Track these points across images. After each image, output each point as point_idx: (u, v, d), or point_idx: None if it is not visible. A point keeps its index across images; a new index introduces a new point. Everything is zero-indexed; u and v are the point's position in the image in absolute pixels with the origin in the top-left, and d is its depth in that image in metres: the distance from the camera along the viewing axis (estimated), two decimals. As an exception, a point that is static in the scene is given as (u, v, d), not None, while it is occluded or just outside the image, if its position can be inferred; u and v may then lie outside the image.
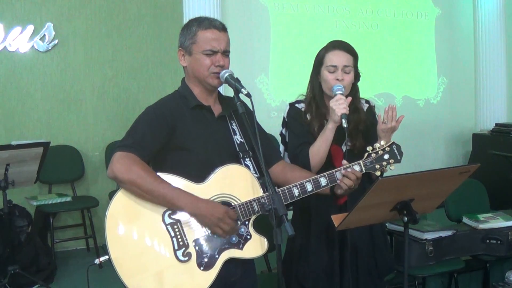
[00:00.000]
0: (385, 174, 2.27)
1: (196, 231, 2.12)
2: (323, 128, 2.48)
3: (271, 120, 5.89)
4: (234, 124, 2.32)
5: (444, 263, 3.42)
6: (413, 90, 6.96)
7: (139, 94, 5.56)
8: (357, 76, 2.62)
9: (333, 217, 2.28)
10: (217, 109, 2.32)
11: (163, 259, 2.07)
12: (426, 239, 3.33)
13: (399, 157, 2.29)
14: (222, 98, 2.39)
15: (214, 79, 2.22)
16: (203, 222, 2.11)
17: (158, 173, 2.12)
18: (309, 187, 2.22)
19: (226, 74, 2.18)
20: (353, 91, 2.62)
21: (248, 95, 2.08)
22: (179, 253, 2.09)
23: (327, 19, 6.41)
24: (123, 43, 5.49)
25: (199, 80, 2.25)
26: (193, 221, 2.12)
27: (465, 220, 3.72)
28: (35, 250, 4.46)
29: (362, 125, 2.60)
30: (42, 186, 5.19)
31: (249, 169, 2.22)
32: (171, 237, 2.09)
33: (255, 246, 2.17)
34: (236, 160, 2.23)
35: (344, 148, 2.48)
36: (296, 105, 2.69)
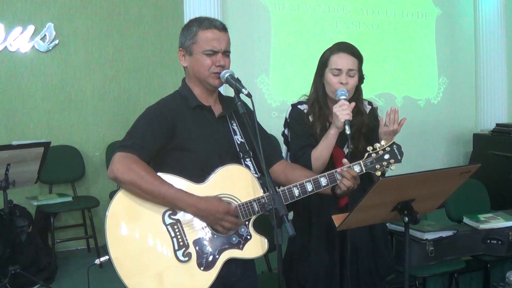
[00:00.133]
0: (385, 174, 2.27)
1: (196, 231, 2.12)
2: (326, 133, 2.47)
3: (271, 120, 5.90)
4: (234, 124, 2.32)
5: (444, 263, 3.42)
6: (414, 90, 6.96)
7: (140, 94, 5.56)
8: (361, 79, 2.60)
9: (334, 217, 2.28)
10: (217, 109, 2.32)
11: (163, 259, 2.07)
12: (426, 239, 3.32)
13: (399, 157, 2.29)
14: (222, 98, 2.39)
15: (214, 79, 2.21)
16: (204, 220, 2.11)
17: (159, 174, 2.12)
18: (309, 187, 2.22)
19: (227, 74, 2.17)
20: (357, 94, 2.61)
21: (249, 95, 2.08)
22: (179, 253, 2.09)
23: (328, 19, 6.41)
24: (123, 43, 5.50)
25: (199, 80, 2.25)
26: (193, 221, 2.13)
27: (466, 220, 3.71)
28: (36, 250, 4.46)
29: (365, 128, 2.59)
30: (43, 186, 5.19)
31: (250, 169, 2.22)
32: (171, 237, 2.09)
33: (255, 246, 2.17)
34: (237, 160, 2.23)
35: (346, 151, 2.48)
36: (299, 106, 2.67)
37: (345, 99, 2.43)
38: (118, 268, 2.04)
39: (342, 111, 2.37)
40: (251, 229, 2.17)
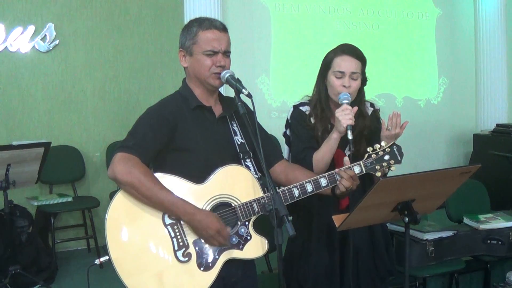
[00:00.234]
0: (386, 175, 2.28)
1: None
2: (328, 137, 2.45)
3: (271, 121, 5.89)
4: (234, 125, 2.32)
5: (444, 263, 3.42)
6: (414, 90, 6.96)
7: (140, 95, 5.56)
8: (364, 81, 2.59)
9: (334, 217, 2.28)
10: (218, 110, 2.32)
11: (163, 259, 2.08)
12: (426, 240, 3.32)
13: (399, 158, 2.29)
14: (222, 99, 2.39)
15: (215, 79, 2.21)
16: (196, 231, 2.11)
17: (159, 174, 2.12)
18: (309, 187, 2.22)
19: (227, 75, 2.17)
20: (359, 96, 2.59)
21: (249, 95, 2.08)
22: (179, 253, 2.09)
23: (328, 20, 6.41)
24: (124, 44, 5.50)
25: (200, 80, 2.25)
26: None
27: (466, 220, 3.71)
28: (36, 250, 4.46)
29: (367, 131, 2.58)
30: (43, 186, 5.19)
31: (250, 169, 2.22)
32: (171, 238, 2.09)
33: (255, 247, 2.17)
34: (237, 160, 2.23)
35: (347, 153, 2.47)
36: (300, 107, 2.65)
37: (347, 103, 2.41)
38: (118, 268, 2.04)
39: (345, 116, 2.35)
40: (251, 230, 2.17)
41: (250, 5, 6.07)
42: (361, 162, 2.27)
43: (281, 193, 2.17)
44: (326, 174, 2.25)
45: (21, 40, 5.10)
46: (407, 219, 2.22)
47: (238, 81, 2.14)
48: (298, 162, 2.53)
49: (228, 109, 2.32)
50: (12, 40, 5.07)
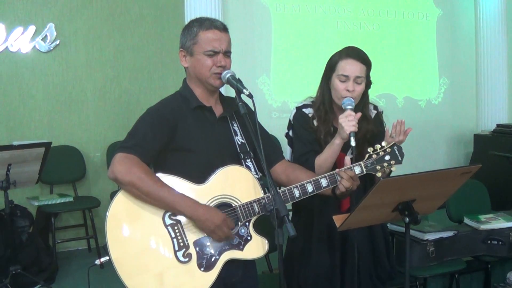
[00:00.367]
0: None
1: (196, 232, 2.12)
2: (331, 142, 2.44)
3: (272, 121, 5.90)
4: (235, 125, 2.32)
5: (445, 263, 3.42)
6: (415, 90, 6.96)
7: (141, 95, 5.56)
8: (368, 85, 2.57)
9: (335, 217, 2.27)
10: (218, 110, 2.32)
11: (163, 260, 2.08)
12: (427, 240, 3.32)
13: (400, 158, 2.29)
14: (223, 99, 2.39)
15: (215, 79, 2.21)
16: (200, 226, 2.11)
17: (159, 174, 2.12)
18: (309, 188, 2.22)
19: (228, 75, 2.17)
20: (363, 100, 2.58)
21: (250, 95, 2.08)
22: (180, 254, 2.09)
23: (329, 20, 6.41)
24: (124, 44, 5.50)
25: (200, 80, 2.25)
26: (193, 222, 2.12)
27: (466, 220, 3.71)
28: (37, 250, 4.46)
29: (370, 134, 2.56)
30: (44, 186, 5.20)
31: (250, 170, 2.22)
32: (172, 238, 2.09)
33: (255, 247, 2.17)
34: (237, 161, 2.23)
35: (349, 156, 2.46)
36: (303, 109, 2.63)
37: (351, 109, 2.39)
38: (118, 268, 2.04)
39: (348, 122, 2.33)
40: (251, 230, 2.17)
41: (250, 5, 6.07)
42: (361, 162, 2.27)
43: (281, 194, 2.17)
44: (326, 174, 2.24)
45: (22, 40, 5.10)
46: (407, 219, 2.22)
47: (239, 81, 2.14)
48: (300, 165, 2.52)
49: (229, 109, 2.32)
50: (13, 40, 5.07)
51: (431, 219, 3.67)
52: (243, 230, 2.16)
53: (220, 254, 2.13)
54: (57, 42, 5.23)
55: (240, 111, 2.13)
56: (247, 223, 2.17)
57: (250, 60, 6.02)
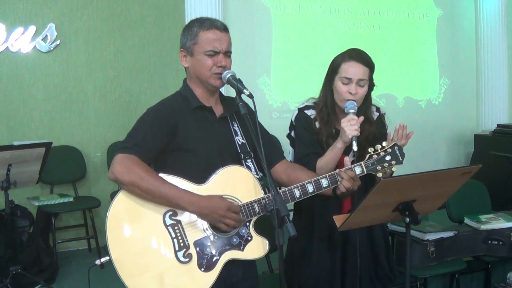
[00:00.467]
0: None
1: (197, 233, 2.12)
2: (332, 145, 2.43)
3: (272, 121, 5.90)
4: (235, 125, 2.32)
5: (445, 263, 3.42)
6: (415, 91, 6.96)
7: (141, 95, 5.56)
8: (371, 87, 2.56)
9: (335, 217, 2.27)
10: (218, 110, 2.31)
11: (163, 260, 2.08)
12: (427, 240, 3.32)
13: (400, 159, 2.29)
14: (223, 99, 2.39)
15: (216, 79, 2.21)
16: (206, 219, 2.11)
17: (160, 174, 2.12)
18: (310, 188, 2.21)
19: (228, 75, 2.17)
20: (366, 102, 2.56)
21: (251, 95, 2.08)
22: (180, 254, 2.09)
23: (329, 20, 6.41)
24: (125, 44, 5.50)
25: (201, 80, 2.25)
26: (194, 223, 2.12)
27: (467, 221, 3.71)
28: (37, 250, 4.46)
29: (371, 136, 2.55)
30: (44, 186, 5.19)
31: (251, 170, 2.22)
32: (172, 238, 2.09)
33: (256, 247, 2.17)
34: (238, 161, 2.23)
35: (351, 158, 2.46)
36: (305, 111, 2.61)
37: (354, 113, 2.38)
38: (118, 268, 2.04)
39: (351, 127, 2.32)
40: (251, 230, 2.17)
41: (251, 5, 6.08)
42: (362, 162, 2.26)
43: (282, 194, 2.17)
44: (327, 174, 2.24)
45: (22, 40, 5.10)
46: (408, 219, 2.22)
47: (239, 81, 2.14)
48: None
49: (229, 110, 2.32)
50: (13, 40, 5.07)
51: (432, 219, 3.67)
52: (243, 230, 2.16)
53: (220, 254, 2.13)
54: (58, 42, 5.23)
55: (240, 111, 2.12)
56: (247, 223, 2.17)
57: (250, 60, 6.02)
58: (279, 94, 6.22)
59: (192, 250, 2.10)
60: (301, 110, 2.63)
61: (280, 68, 6.22)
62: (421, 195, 2.20)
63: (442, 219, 3.81)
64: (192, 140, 2.19)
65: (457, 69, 7.16)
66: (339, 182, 2.23)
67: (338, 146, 2.39)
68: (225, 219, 2.08)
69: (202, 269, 2.10)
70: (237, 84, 2.13)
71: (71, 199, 4.97)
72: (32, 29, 5.12)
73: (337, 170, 2.25)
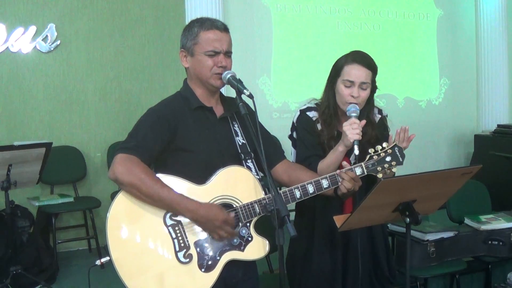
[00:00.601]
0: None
1: (197, 233, 2.12)
2: (334, 148, 2.42)
3: (272, 121, 5.90)
4: (236, 126, 2.32)
5: (445, 264, 3.42)
6: (415, 91, 6.96)
7: (141, 95, 5.57)
8: (373, 90, 2.55)
9: (335, 217, 2.27)
10: (219, 110, 2.31)
11: (164, 260, 2.08)
12: (428, 240, 3.32)
13: (401, 159, 2.29)
14: (224, 99, 2.39)
15: (216, 80, 2.21)
16: (201, 226, 2.11)
17: (160, 175, 2.12)
18: (310, 189, 2.21)
19: (229, 75, 2.17)
20: (368, 105, 2.55)
21: (251, 96, 2.08)
22: (180, 254, 2.09)
23: (329, 20, 6.41)
24: (125, 44, 5.50)
25: (201, 81, 2.25)
26: (195, 223, 2.12)
27: (467, 221, 3.71)
28: (37, 250, 4.47)
29: (373, 140, 2.54)
30: (44, 186, 5.20)
31: (251, 170, 2.22)
32: (172, 239, 2.09)
33: (256, 248, 2.17)
34: (238, 161, 2.23)
35: (352, 160, 2.46)
36: (307, 113, 2.60)
37: (356, 116, 2.37)
38: (118, 269, 2.04)
39: (352, 130, 2.31)
40: (252, 231, 2.17)
41: (251, 6, 6.08)
42: (362, 163, 2.26)
43: (282, 194, 2.17)
44: (327, 175, 2.24)
45: (23, 41, 5.10)
46: (408, 219, 2.22)
47: (240, 81, 2.14)
48: None
49: (229, 110, 2.32)
50: (14, 40, 5.07)
51: (432, 220, 3.67)
52: (244, 231, 2.16)
53: (221, 255, 2.13)
54: (58, 42, 5.23)
55: (241, 112, 2.12)
56: (248, 224, 2.17)
57: (250, 61, 6.03)
58: (279, 94, 6.22)
59: (193, 251, 2.10)
60: (302, 112, 2.62)
61: (280, 68, 6.22)
62: (421, 195, 2.21)
63: (442, 219, 3.81)
64: (192, 140, 2.19)
65: (457, 69, 7.17)
66: (339, 183, 2.23)
67: (339, 149, 2.38)
68: (220, 231, 2.08)
69: (203, 270, 2.10)
70: (237, 85, 2.12)
71: (71, 199, 4.98)
72: (32, 29, 5.12)
73: (338, 171, 2.25)
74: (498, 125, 6.52)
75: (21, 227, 4.53)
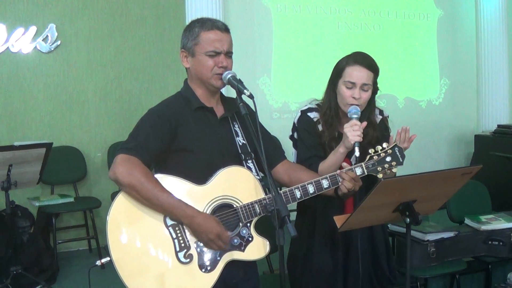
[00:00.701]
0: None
1: (198, 233, 2.12)
2: (335, 150, 2.42)
3: (273, 122, 5.91)
4: (236, 126, 2.32)
5: (446, 264, 3.42)
6: (415, 91, 6.96)
7: (142, 96, 5.57)
8: (375, 91, 2.54)
9: (335, 218, 2.27)
10: (219, 111, 2.31)
11: (164, 260, 2.08)
12: (428, 240, 3.32)
13: (401, 160, 2.29)
14: (224, 99, 2.39)
15: (217, 80, 2.21)
16: (195, 234, 2.10)
17: (160, 175, 2.12)
18: (311, 189, 2.22)
19: (229, 76, 2.17)
20: (370, 106, 2.55)
21: (251, 96, 2.08)
22: (181, 255, 2.09)
23: (329, 20, 6.41)
24: (125, 44, 5.50)
25: (202, 81, 2.25)
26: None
27: (467, 221, 3.71)
28: (38, 250, 4.47)
29: (374, 141, 2.53)
30: (45, 186, 5.20)
31: (251, 171, 2.22)
32: (173, 239, 2.09)
33: (257, 248, 2.17)
34: (238, 162, 2.23)
35: (353, 162, 2.46)
36: (308, 113, 2.59)
37: (357, 118, 2.37)
38: (119, 269, 2.04)
39: (353, 132, 2.31)
40: (252, 231, 2.17)
41: (251, 6, 6.08)
42: (363, 163, 2.26)
43: (282, 194, 2.17)
44: (328, 175, 2.24)
45: (23, 41, 5.10)
46: (408, 220, 2.22)
47: (240, 82, 2.14)
48: None
49: (230, 110, 2.32)
50: (14, 40, 5.07)
51: (432, 220, 3.67)
52: (244, 231, 2.16)
53: (221, 255, 2.13)
54: (58, 42, 5.24)
55: (241, 112, 2.12)
56: (248, 224, 2.17)
57: (251, 61, 6.02)
58: (280, 94, 6.22)
59: (193, 251, 2.10)
60: (303, 113, 2.61)
61: (281, 68, 6.22)
62: (422, 196, 2.21)
63: (442, 220, 3.81)
64: (193, 140, 2.19)
65: (458, 69, 7.17)
66: (340, 183, 2.23)
67: (340, 151, 2.38)
68: (212, 243, 2.08)
69: (203, 270, 2.10)
70: (238, 85, 2.12)
71: (71, 200, 4.98)
72: (32, 29, 5.12)
73: (338, 171, 2.25)
74: (498, 125, 6.52)
75: (21, 227, 4.54)
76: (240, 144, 2.28)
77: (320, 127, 2.56)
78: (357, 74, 2.45)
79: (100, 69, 5.43)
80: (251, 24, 6.08)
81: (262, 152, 1.99)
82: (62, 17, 5.25)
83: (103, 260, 2.12)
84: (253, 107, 2.12)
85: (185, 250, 2.09)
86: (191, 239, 2.11)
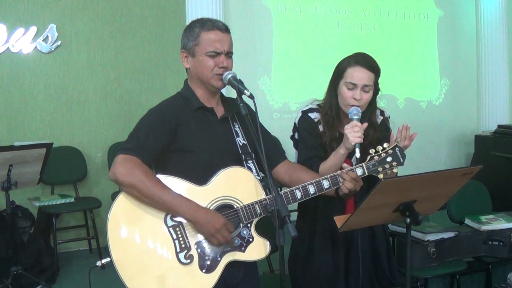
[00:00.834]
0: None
1: (198, 234, 2.12)
2: (335, 150, 2.42)
3: (273, 122, 5.91)
4: (236, 126, 2.32)
5: (446, 264, 3.42)
6: (416, 91, 6.96)
7: (142, 96, 5.57)
8: (376, 92, 2.54)
9: (336, 218, 2.27)
10: (220, 111, 2.31)
11: (165, 261, 2.08)
12: (428, 241, 3.33)
13: (401, 160, 2.29)
14: (224, 100, 2.39)
15: (217, 80, 2.21)
16: (200, 230, 2.10)
17: (161, 175, 2.12)
18: (311, 189, 2.21)
19: (229, 76, 2.17)
20: (371, 107, 2.54)
21: (251, 96, 2.08)
22: (181, 255, 2.09)
23: (330, 21, 6.41)
24: (126, 45, 5.50)
25: (202, 81, 2.25)
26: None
27: (467, 221, 3.71)
28: (38, 251, 4.47)
29: (375, 142, 2.52)
30: (45, 187, 5.20)
31: (252, 171, 2.22)
32: (173, 240, 2.09)
33: (257, 249, 2.17)
34: (239, 162, 2.23)
35: (354, 163, 2.46)
36: (309, 114, 2.59)
37: (357, 119, 2.36)
38: (119, 270, 2.04)
39: (354, 133, 2.31)
40: (253, 232, 2.17)
41: (251, 6, 6.08)
42: (363, 164, 2.26)
43: (283, 195, 2.17)
44: (328, 176, 2.24)
45: (23, 41, 5.10)
46: (408, 220, 2.22)
47: (240, 82, 2.14)
48: None
49: (230, 110, 2.32)
50: (14, 41, 5.07)
51: (432, 220, 3.68)
52: (245, 232, 2.16)
53: (221, 255, 2.13)
54: (59, 43, 5.24)
55: (241, 112, 2.12)
56: (249, 225, 2.17)
57: (251, 61, 6.02)
58: (280, 94, 6.22)
59: (194, 252, 2.10)
60: (304, 113, 2.61)
61: (281, 68, 6.22)
62: (422, 196, 2.21)
63: (442, 220, 3.82)
64: (193, 141, 2.19)
65: (458, 69, 7.17)
66: (341, 183, 2.23)
67: (341, 152, 2.38)
68: (218, 235, 2.07)
69: (203, 271, 2.10)
70: (238, 85, 2.12)
71: (72, 200, 4.98)
72: (33, 30, 5.12)
73: (339, 172, 2.25)
74: (499, 126, 6.53)
75: (21, 227, 4.54)
76: (241, 144, 2.28)
77: (321, 128, 2.56)
78: (358, 75, 2.44)
79: (101, 69, 5.43)
80: (251, 24, 6.08)
81: (263, 152, 1.99)
82: (63, 17, 5.25)
83: (104, 261, 2.12)
84: (253, 108, 2.12)
85: (186, 251, 2.09)
86: (191, 240, 2.11)
